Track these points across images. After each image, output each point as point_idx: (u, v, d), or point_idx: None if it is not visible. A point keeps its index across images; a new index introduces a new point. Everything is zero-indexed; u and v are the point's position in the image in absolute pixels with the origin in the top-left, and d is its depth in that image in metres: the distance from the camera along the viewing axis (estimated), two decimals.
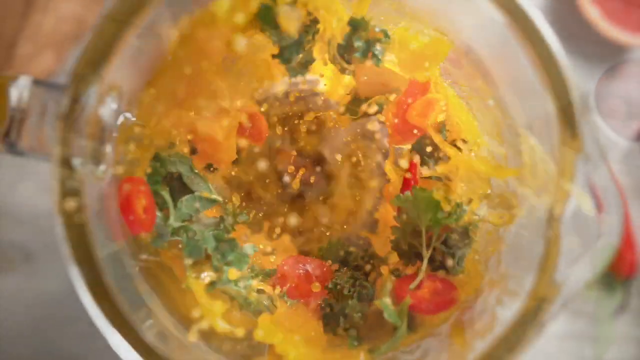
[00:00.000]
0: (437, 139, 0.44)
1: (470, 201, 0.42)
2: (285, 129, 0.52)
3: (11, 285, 0.61)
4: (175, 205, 0.40)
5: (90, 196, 0.30)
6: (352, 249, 0.49)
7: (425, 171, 0.41)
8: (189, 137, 0.42)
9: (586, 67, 0.68)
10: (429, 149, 0.46)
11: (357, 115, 0.50)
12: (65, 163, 0.29)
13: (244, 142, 0.48)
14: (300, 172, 0.52)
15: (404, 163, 0.45)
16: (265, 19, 0.38)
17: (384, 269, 0.42)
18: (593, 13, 0.65)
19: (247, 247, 0.41)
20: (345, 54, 0.42)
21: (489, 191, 0.42)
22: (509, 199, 0.39)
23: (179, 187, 0.40)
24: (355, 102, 0.49)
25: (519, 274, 0.32)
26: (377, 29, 0.40)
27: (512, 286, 0.33)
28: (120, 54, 0.29)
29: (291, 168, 0.52)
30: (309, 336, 0.42)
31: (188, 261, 0.39)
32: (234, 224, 0.42)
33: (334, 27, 0.40)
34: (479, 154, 0.42)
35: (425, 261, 0.41)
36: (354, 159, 0.53)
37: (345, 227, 0.54)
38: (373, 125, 0.52)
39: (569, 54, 0.67)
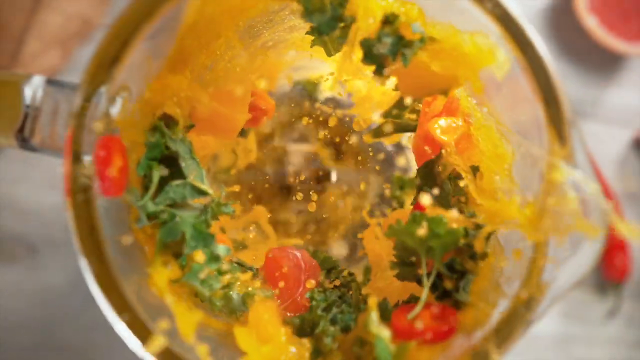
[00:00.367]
0: (467, 179, 0.40)
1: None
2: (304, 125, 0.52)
3: (14, 277, 0.62)
4: (162, 187, 0.37)
5: (99, 191, 0.31)
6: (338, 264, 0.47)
7: (424, 200, 0.38)
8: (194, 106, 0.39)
9: (583, 74, 0.69)
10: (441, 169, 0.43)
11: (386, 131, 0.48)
12: (76, 160, 0.30)
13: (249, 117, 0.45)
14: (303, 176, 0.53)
15: (426, 199, 0.40)
16: None
17: (371, 300, 0.38)
18: (591, 22, 0.66)
19: (221, 248, 0.38)
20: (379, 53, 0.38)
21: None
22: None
23: (170, 168, 0.38)
24: (399, 105, 0.47)
25: (509, 275, 0.34)
26: (415, 29, 0.37)
27: (504, 288, 0.34)
28: (132, 55, 0.31)
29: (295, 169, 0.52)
30: (280, 344, 0.39)
31: (160, 242, 0.36)
32: (217, 213, 0.40)
33: (369, 24, 0.37)
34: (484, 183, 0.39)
35: (426, 289, 0.38)
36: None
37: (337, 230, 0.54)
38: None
39: (566, 61, 0.69)
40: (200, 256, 0.37)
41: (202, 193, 0.38)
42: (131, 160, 0.35)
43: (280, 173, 0.55)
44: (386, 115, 0.48)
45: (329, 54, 0.41)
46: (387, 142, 0.53)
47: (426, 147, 0.43)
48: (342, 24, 0.38)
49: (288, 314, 0.42)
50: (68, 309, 0.62)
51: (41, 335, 0.62)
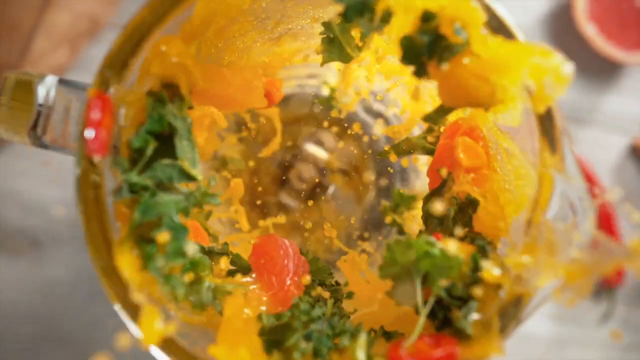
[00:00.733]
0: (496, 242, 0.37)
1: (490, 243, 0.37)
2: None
3: (18, 270, 0.63)
4: (149, 164, 0.35)
5: (109, 188, 0.32)
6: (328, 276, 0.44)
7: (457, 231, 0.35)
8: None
9: (582, 81, 0.70)
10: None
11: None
12: (87, 157, 0.32)
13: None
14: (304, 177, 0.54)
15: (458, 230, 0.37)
16: None
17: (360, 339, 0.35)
18: (589, 30, 0.67)
19: (190, 245, 0.35)
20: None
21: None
22: None
23: (161, 145, 0.35)
24: (440, 112, 0.43)
25: None
26: (458, 32, 0.33)
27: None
28: (142, 57, 0.32)
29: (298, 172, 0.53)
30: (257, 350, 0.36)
31: (134, 222, 0.33)
32: (201, 202, 0.37)
33: (407, 19, 0.34)
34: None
35: (423, 318, 0.35)
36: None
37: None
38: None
39: None
40: (163, 237, 0.33)
41: (191, 178, 0.36)
42: (125, 128, 0.34)
43: (283, 169, 0.55)
44: (426, 118, 0.45)
45: (345, 60, 0.40)
46: (403, 163, 0.52)
47: (442, 170, 0.42)
48: (371, 14, 0.35)
49: (275, 307, 0.39)
50: (70, 302, 0.63)
51: (43, 328, 0.63)
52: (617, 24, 0.68)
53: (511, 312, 0.32)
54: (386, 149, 0.48)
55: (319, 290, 0.43)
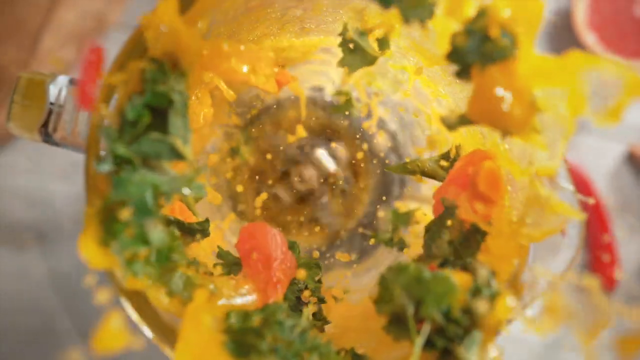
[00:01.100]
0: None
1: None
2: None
3: (23, 263, 0.64)
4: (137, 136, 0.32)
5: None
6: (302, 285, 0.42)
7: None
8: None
9: None
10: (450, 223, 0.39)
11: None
12: (95, 154, 0.32)
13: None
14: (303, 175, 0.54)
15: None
16: None
17: None
18: (590, 38, 0.68)
19: (156, 232, 0.32)
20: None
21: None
22: None
23: (154, 119, 0.33)
24: (460, 120, 0.36)
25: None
26: (504, 35, 0.31)
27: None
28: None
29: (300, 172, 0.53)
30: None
31: (108, 198, 0.31)
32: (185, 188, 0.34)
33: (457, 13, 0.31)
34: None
35: (418, 349, 0.33)
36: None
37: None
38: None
39: None
40: (124, 215, 0.31)
41: (180, 157, 0.33)
42: (120, 96, 0.32)
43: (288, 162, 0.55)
44: (444, 120, 0.40)
45: (370, 63, 0.38)
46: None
47: (445, 199, 0.40)
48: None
49: (259, 297, 0.37)
50: (73, 295, 0.64)
51: (46, 321, 0.64)
52: (616, 33, 0.68)
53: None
54: (393, 166, 0.48)
55: (306, 294, 0.42)
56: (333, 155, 0.55)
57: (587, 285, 0.30)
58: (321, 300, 0.43)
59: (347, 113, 0.53)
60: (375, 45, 0.40)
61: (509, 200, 0.36)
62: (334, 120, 0.55)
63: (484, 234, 0.37)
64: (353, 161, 0.54)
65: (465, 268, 0.35)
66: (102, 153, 0.32)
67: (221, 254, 0.42)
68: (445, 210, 0.39)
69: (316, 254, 0.55)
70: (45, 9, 0.67)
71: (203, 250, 0.42)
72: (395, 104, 0.53)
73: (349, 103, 0.52)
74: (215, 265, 0.41)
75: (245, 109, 0.54)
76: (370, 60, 0.40)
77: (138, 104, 0.32)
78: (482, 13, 0.31)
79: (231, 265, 0.41)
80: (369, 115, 0.54)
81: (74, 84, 0.36)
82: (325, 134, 0.55)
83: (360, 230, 0.54)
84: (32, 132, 0.36)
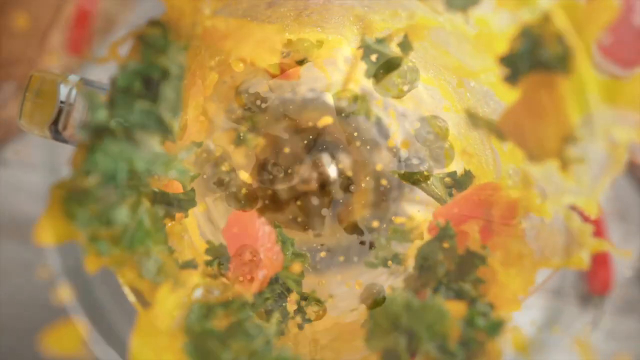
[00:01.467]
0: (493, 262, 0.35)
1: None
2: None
3: (26, 257, 0.65)
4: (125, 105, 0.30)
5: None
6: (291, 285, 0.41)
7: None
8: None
9: None
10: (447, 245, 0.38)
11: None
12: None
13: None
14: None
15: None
16: None
17: None
18: None
19: (120, 213, 0.30)
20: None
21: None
22: None
23: (146, 89, 0.31)
24: (487, 124, 0.35)
25: None
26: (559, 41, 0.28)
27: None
28: None
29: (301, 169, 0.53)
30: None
31: (82, 170, 0.29)
32: (166, 170, 0.31)
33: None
34: None
35: None
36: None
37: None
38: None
39: None
40: (90, 181, 0.29)
41: (166, 131, 0.30)
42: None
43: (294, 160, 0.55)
44: (470, 116, 0.41)
45: (394, 67, 0.38)
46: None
47: (439, 222, 0.38)
48: None
49: (242, 284, 0.36)
50: (75, 289, 0.65)
51: (47, 315, 0.64)
52: (615, 41, 0.69)
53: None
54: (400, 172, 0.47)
55: (295, 297, 0.41)
56: (338, 160, 0.55)
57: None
58: (304, 298, 0.42)
59: (359, 117, 0.53)
60: (397, 49, 0.39)
61: (522, 231, 0.35)
62: (346, 124, 0.54)
63: (482, 259, 0.36)
64: (357, 167, 0.54)
65: (460, 294, 0.34)
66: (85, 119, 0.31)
67: (210, 248, 0.41)
68: (442, 232, 0.38)
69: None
70: (54, 6, 0.68)
71: (190, 226, 0.42)
72: (408, 113, 0.52)
73: (362, 108, 0.52)
74: (206, 262, 0.41)
75: (252, 99, 0.54)
76: (396, 65, 0.40)
77: (130, 70, 0.30)
78: (545, 16, 0.28)
79: (218, 253, 0.40)
80: (379, 122, 0.54)
81: (85, 83, 0.37)
82: (333, 137, 0.55)
83: (358, 238, 0.54)
84: (42, 129, 0.37)
